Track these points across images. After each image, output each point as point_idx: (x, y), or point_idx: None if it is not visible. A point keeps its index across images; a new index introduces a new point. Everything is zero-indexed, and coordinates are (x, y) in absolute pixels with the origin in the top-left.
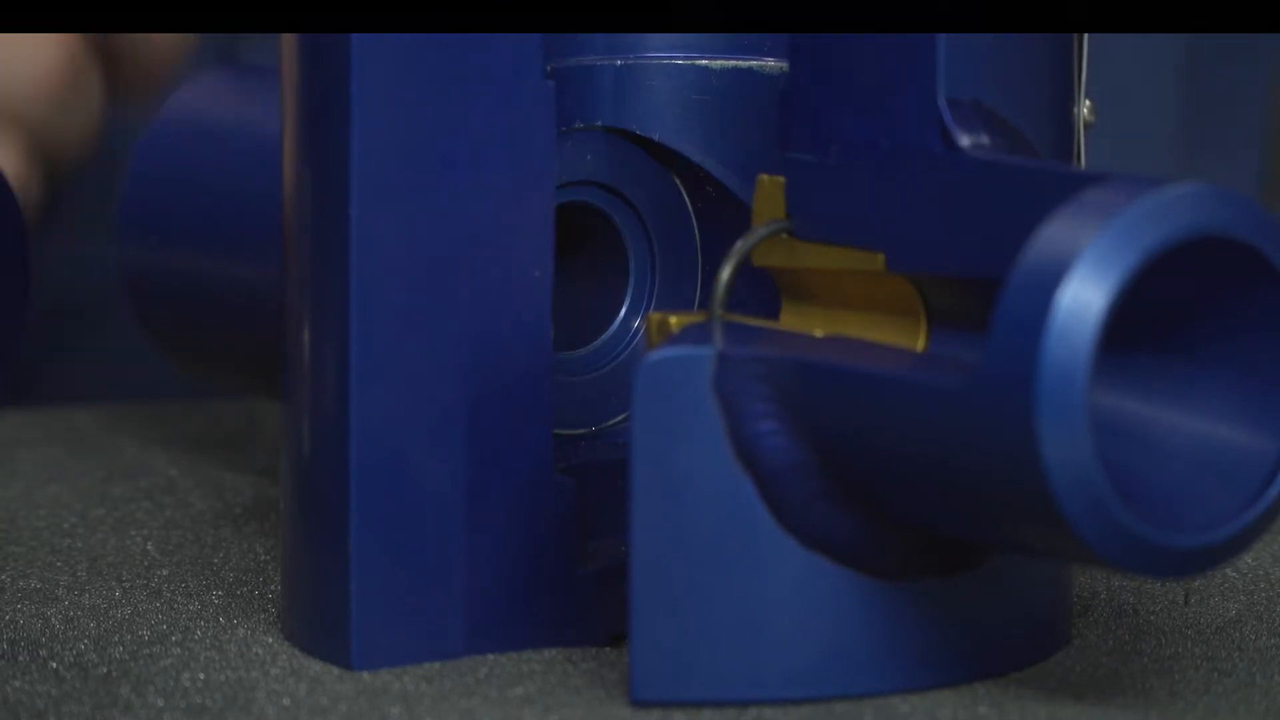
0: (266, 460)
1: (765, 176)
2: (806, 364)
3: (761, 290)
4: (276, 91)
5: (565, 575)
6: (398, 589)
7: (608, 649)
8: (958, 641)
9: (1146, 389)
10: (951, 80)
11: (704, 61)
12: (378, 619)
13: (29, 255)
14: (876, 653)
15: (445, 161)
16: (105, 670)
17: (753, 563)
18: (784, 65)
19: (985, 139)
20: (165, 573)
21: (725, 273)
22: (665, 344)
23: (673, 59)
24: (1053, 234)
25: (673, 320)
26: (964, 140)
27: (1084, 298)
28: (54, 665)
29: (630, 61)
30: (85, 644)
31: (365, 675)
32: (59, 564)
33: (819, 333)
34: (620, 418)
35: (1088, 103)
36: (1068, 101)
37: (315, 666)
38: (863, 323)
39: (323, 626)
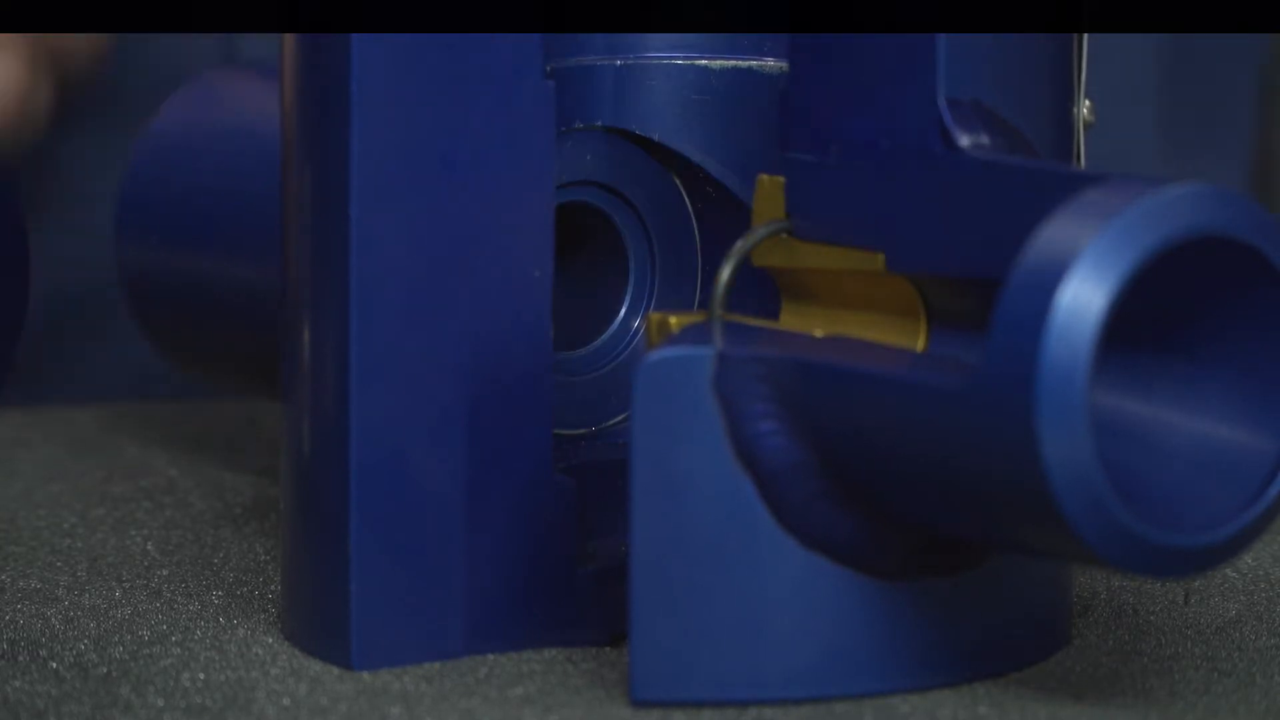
0: (266, 460)
1: (765, 176)
2: (806, 364)
3: (761, 290)
4: (276, 91)
5: (565, 575)
6: (398, 589)
7: (608, 649)
8: (958, 641)
9: (1146, 389)
10: (951, 80)
11: (704, 61)
12: (378, 619)
13: (29, 255)
14: (876, 653)
15: (445, 161)
16: (105, 670)
17: (753, 563)
18: (784, 65)
19: (985, 139)
20: (165, 573)
21: (725, 273)
22: (665, 344)
23: (673, 59)
24: (1053, 234)
25: (673, 320)
26: (964, 140)
27: (1084, 298)
28: (54, 665)
29: (630, 61)
30: (85, 644)
31: (365, 675)
32: (59, 564)
33: (819, 333)
34: (620, 418)
35: (1088, 103)
36: (1068, 101)
37: (315, 666)
38: (863, 323)
39: (323, 626)
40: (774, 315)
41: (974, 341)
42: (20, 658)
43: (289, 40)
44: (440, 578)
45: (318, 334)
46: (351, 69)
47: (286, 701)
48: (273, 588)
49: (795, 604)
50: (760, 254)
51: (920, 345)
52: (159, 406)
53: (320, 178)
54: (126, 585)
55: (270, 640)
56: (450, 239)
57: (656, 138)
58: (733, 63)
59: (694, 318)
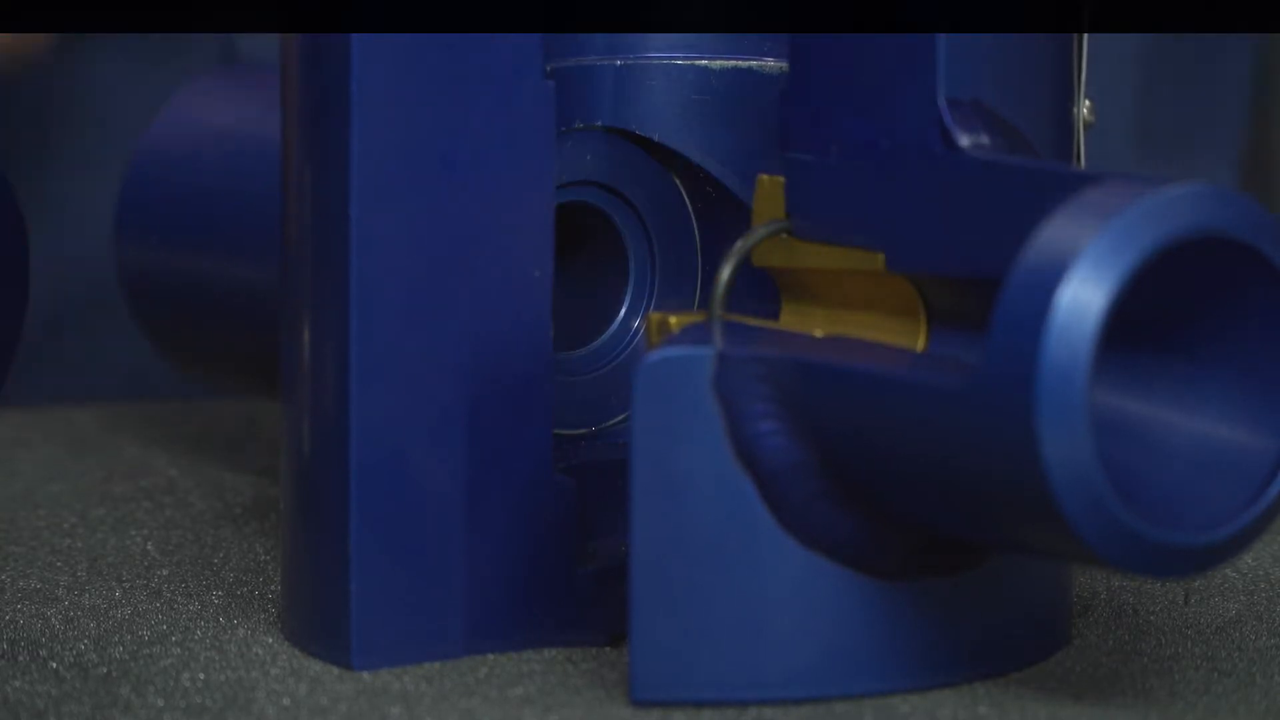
0: (266, 460)
1: (765, 176)
2: (806, 364)
3: (761, 290)
4: (276, 91)
5: (565, 575)
6: (398, 589)
7: (608, 649)
8: (958, 641)
9: (1146, 389)
10: (951, 80)
11: (704, 61)
12: (378, 619)
13: (28, 255)
14: (876, 653)
15: (445, 161)
16: (105, 670)
17: (753, 563)
18: (784, 65)
19: (985, 139)
20: (165, 573)
21: (725, 273)
22: (665, 344)
23: (673, 59)
24: (1053, 234)
25: (673, 320)
26: (964, 140)
27: (1084, 298)
28: (54, 665)
29: (630, 61)
30: (85, 644)
31: (365, 675)
32: (59, 564)
33: (819, 333)
34: (620, 418)
35: (1087, 103)
36: (1068, 101)
37: (315, 666)
38: (863, 323)
39: (323, 626)
40: (774, 315)
41: (974, 341)
42: (20, 658)
43: (289, 40)
44: (440, 578)
45: (318, 334)
46: (351, 69)
47: (286, 701)
48: (273, 588)
49: (795, 604)
50: (760, 254)
51: (920, 345)
52: (159, 406)
53: (320, 178)
54: (126, 585)
55: (270, 640)
56: (450, 239)
57: (656, 138)
58: (733, 63)
59: (694, 318)
